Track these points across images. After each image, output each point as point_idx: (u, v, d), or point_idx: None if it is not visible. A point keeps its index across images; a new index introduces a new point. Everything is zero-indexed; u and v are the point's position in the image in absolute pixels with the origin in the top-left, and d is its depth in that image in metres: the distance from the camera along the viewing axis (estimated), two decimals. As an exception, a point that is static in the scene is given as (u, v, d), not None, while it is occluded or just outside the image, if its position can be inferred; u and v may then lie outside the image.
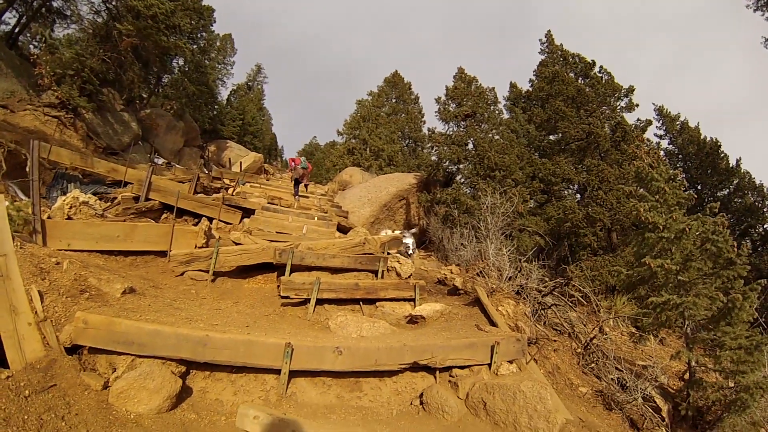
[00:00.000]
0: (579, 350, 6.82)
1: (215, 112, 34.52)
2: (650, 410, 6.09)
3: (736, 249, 7.31)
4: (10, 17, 19.69)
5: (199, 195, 10.04)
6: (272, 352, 3.60)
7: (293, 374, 3.67)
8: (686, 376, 7.10)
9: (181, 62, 25.84)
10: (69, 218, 6.57)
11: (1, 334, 3.07)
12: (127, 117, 20.33)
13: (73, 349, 3.43)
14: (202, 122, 29.32)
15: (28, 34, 21.22)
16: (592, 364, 6.60)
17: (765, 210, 23.11)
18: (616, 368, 6.53)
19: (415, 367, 4.11)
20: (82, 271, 4.42)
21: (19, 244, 4.58)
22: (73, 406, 2.84)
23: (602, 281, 12.66)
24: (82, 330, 3.39)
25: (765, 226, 22.93)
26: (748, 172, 24.23)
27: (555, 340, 6.64)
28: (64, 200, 6.75)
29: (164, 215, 8.38)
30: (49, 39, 18.65)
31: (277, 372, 3.63)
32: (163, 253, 6.26)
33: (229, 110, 39.16)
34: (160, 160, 19.96)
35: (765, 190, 23.48)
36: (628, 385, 6.20)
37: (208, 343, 3.47)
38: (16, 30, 19.91)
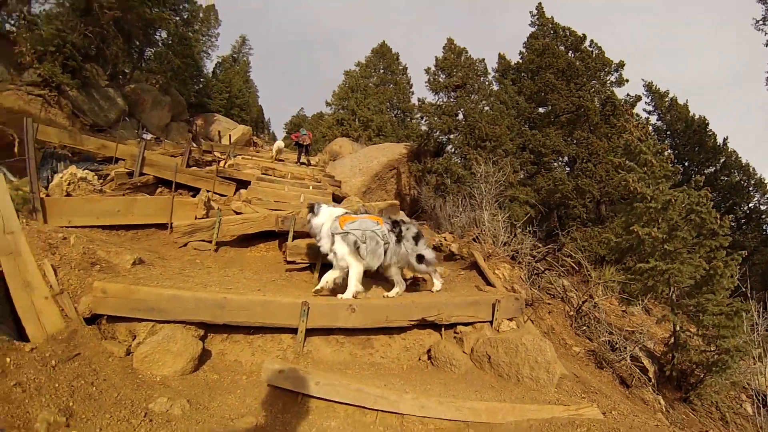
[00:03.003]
0: (572, 313, 7.09)
1: (201, 86, 34.12)
2: (638, 370, 6.42)
3: (718, 221, 7.61)
4: None
5: (192, 168, 10.04)
6: (289, 311, 3.73)
7: (308, 333, 3.82)
8: (671, 341, 7.45)
9: (164, 35, 25.39)
10: (68, 195, 6.58)
11: (18, 309, 3.14)
12: (112, 93, 20.03)
13: (92, 320, 3.52)
14: (188, 96, 28.94)
15: (4, 12, 20.50)
16: (584, 327, 6.88)
17: (750, 189, 23.74)
18: (607, 331, 6.82)
19: (422, 324, 4.29)
20: (90, 245, 4.48)
21: (25, 221, 4.63)
22: (100, 373, 2.93)
23: (592, 251, 12.95)
24: (101, 299, 3.47)
25: (750, 204, 23.67)
26: (734, 151, 24.74)
27: (549, 303, 6.89)
28: (61, 177, 6.75)
29: (159, 189, 8.40)
30: (27, 15, 18.12)
31: (293, 331, 3.78)
32: (163, 226, 6.33)
33: (215, 83, 38.66)
34: (149, 136, 19.79)
35: (751, 169, 24.01)
36: (617, 346, 6.51)
37: (226, 306, 3.57)
38: None
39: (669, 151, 8.65)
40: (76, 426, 2.37)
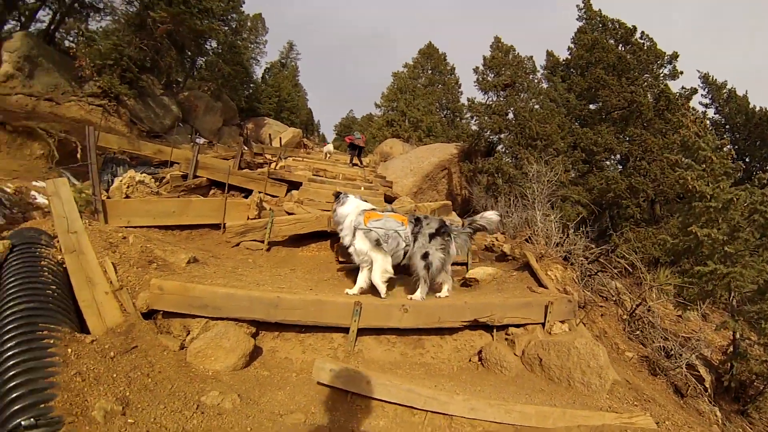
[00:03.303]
0: (625, 317, 6.81)
1: (251, 91, 35.35)
2: (693, 379, 6.07)
3: None
4: (45, 15, 20.59)
5: (243, 170, 10.32)
6: (341, 310, 3.77)
7: (359, 332, 3.84)
8: (730, 349, 7.04)
9: (214, 44, 26.42)
10: (127, 197, 6.91)
11: (80, 303, 3.29)
12: (167, 100, 21.00)
13: (148, 315, 3.65)
14: (239, 101, 30.05)
15: (63, 30, 21.95)
16: (637, 332, 6.59)
17: None
18: (662, 336, 6.50)
19: (474, 326, 4.23)
20: (147, 243, 4.67)
21: (87, 222, 4.88)
22: (156, 365, 3.04)
23: (646, 253, 12.42)
24: (158, 296, 3.61)
25: None
26: None
27: (602, 306, 6.64)
28: (121, 180, 7.10)
29: (212, 191, 8.66)
30: (85, 32, 19.35)
31: (345, 330, 3.81)
32: (216, 226, 6.50)
33: (265, 88, 39.83)
34: (201, 140, 20.59)
35: None
36: (672, 353, 6.18)
37: (280, 304, 3.64)
38: (52, 27, 20.77)
39: (729, 146, 8.15)
40: (131, 415, 2.46)
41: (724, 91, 25.91)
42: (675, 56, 18.69)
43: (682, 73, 18.83)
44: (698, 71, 26.28)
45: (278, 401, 3.09)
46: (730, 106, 25.50)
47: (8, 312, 2.75)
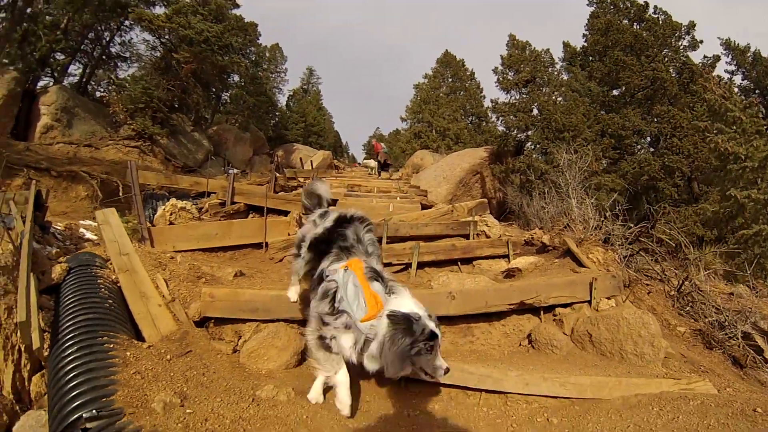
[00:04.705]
0: (672, 293, 6.60)
1: (277, 119, 36.37)
2: (751, 351, 5.84)
3: None
4: (75, 69, 22.42)
5: (279, 193, 10.58)
6: None
7: None
8: None
9: (237, 78, 27.25)
10: (171, 224, 7.23)
11: (135, 316, 3.45)
12: (198, 136, 21.85)
13: (200, 323, 3.83)
14: (267, 131, 30.96)
15: (94, 81, 23.37)
16: (687, 307, 6.37)
17: None
18: (714, 309, 6.28)
19: (521, 310, 4.26)
20: (194, 262, 4.89)
21: (137, 244, 5.15)
22: (210, 366, 3.16)
23: (688, 233, 12.07)
24: (209, 303, 3.78)
25: None
26: None
27: (647, 284, 6.48)
28: (164, 208, 7.45)
29: (250, 215, 8.90)
30: (116, 80, 20.50)
31: None
32: (258, 245, 6.71)
33: (290, 115, 40.89)
34: (234, 170, 21.19)
35: None
36: (726, 324, 5.96)
37: None
38: (83, 79, 22.56)
39: (759, 105, 7.93)
40: (189, 406, 2.58)
41: (749, 54, 24.83)
42: (692, 26, 18.28)
43: (702, 42, 18.42)
44: (719, 38, 25.25)
45: (332, 392, 3.11)
46: (756, 69, 24.49)
47: (70, 323, 2.94)
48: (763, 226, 6.52)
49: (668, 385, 3.19)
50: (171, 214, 7.32)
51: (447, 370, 2.64)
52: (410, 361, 2.50)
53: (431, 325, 2.53)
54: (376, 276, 2.80)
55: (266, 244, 6.56)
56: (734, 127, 7.47)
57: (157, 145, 19.25)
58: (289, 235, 6.82)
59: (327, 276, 2.86)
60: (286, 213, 8.36)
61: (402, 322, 2.44)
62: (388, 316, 2.47)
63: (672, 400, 2.97)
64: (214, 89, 25.50)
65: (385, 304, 2.58)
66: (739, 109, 7.52)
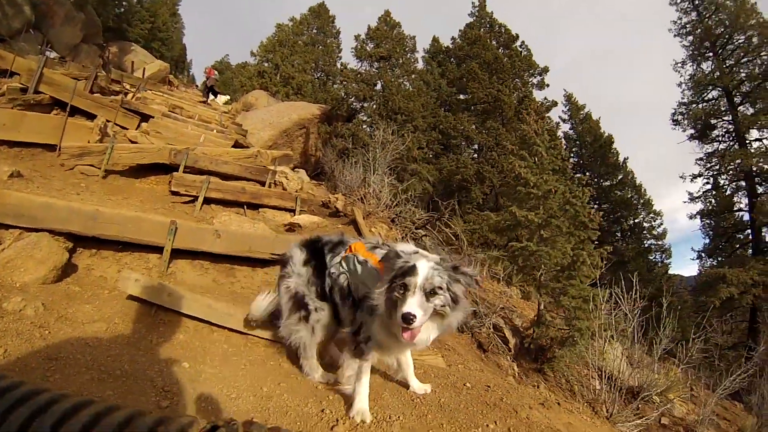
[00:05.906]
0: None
1: (122, 10, 31.55)
2: (498, 339, 7.24)
3: (589, 215, 8.75)
4: None
5: (95, 94, 9.59)
6: (158, 229, 3.96)
7: (175, 254, 4.07)
8: (535, 318, 8.41)
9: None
10: (-53, 98, 6.24)
11: None
12: (20, -1, 18.19)
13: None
14: (106, 19, 26.82)
15: None
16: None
17: (638, 206, 27.12)
18: (473, 300, 7.61)
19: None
20: (-36, 150, 4.43)
21: None
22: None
23: (481, 235, 14.01)
24: (-36, 200, 3.45)
25: (635, 219, 27.14)
26: (632, 171, 28.02)
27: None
28: (-59, 77, 6.37)
29: (54, 111, 8.01)
30: None
31: (161, 251, 4.01)
32: (52, 147, 6.18)
33: (139, 10, 35.77)
34: (53, 54, 18.33)
35: (642, 189, 27.44)
36: (479, 314, 7.28)
37: (98, 218, 3.72)
38: None
39: (565, 150, 9.63)
40: None
41: (582, 112, 30.04)
42: (545, 70, 21.12)
43: (548, 85, 21.37)
44: (564, 89, 30.05)
45: (84, 312, 3.18)
46: (583, 125, 29.67)
47: None
48: (530, 244, 7.98)
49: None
50: (-50, 87, 6.30)
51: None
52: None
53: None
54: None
55: (60, 147, 6.08)
56: (535, 158, 8.93)
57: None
58: (89, 142, 6.39)
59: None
60: (94, 117, 7.73)
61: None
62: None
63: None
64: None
65: None
66: (545, 147, 9.04)
